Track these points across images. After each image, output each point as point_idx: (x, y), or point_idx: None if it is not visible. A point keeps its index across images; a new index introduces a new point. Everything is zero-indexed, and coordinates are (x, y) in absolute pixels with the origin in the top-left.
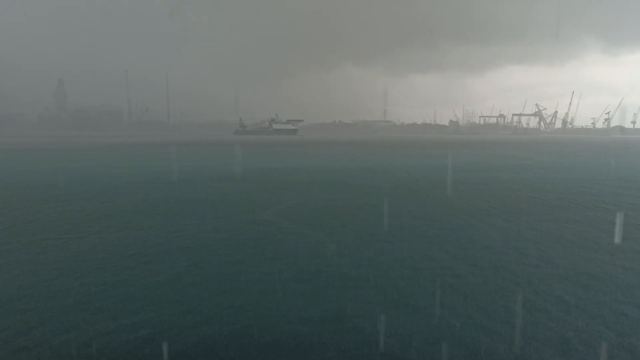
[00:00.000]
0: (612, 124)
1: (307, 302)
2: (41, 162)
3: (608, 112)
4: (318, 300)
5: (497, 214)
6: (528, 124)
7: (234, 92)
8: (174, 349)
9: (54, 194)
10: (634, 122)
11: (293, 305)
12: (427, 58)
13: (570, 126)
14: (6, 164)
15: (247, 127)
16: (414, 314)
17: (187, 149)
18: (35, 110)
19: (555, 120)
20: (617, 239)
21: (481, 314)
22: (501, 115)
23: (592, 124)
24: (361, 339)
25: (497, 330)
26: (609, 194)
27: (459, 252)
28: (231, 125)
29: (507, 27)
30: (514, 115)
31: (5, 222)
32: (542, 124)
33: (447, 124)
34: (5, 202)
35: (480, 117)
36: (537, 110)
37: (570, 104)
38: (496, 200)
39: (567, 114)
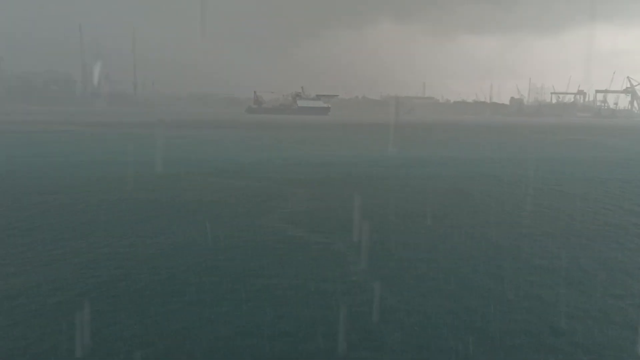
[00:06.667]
0: None
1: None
2: None
3: None
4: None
5: None
6: (616, 103)
7: (230, 58)
8: None
9: None
10: None
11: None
12: (485, 13)
13: None
14: None
15: (263, 104)
16: None
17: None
18: None
19: None
20: None
21: None
22: (580, 92)
23: None
24: None
25: None
26: None
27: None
28: (222, 99)
29: None
30: (597, 92)
31: None
32: (635, 104)
33: (507, 102)
34: None
35: (552, 93)
36: (629, 85)
37: None
38: None
39: None
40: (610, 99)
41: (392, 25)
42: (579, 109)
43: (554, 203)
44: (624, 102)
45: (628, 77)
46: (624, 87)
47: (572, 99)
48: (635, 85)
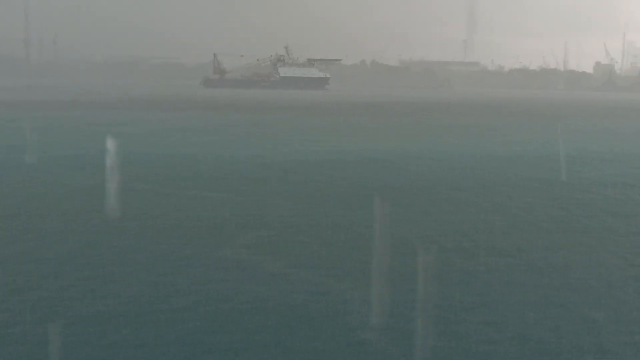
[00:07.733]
0: None
1: None
2: None
3: None
4: None
5: None
6: None
7: (174, 6)
8: None
9: None
10: None
11: None
12: None
13: None
14: None
15: (227, 72)
16: None
17: None
18: None
19: None
20: None
21: None
22: None
23: None
24: None
25: None
26: None
27: None
28: (161, 66)
29: None
30: None
31: None
32: None
33: (590, 69)
34: None
35: None
36: None
37: None
38: None
39: None
40: None
41: None
42: None
43: None
44: None
45: None
46: None
47: None
48: None
